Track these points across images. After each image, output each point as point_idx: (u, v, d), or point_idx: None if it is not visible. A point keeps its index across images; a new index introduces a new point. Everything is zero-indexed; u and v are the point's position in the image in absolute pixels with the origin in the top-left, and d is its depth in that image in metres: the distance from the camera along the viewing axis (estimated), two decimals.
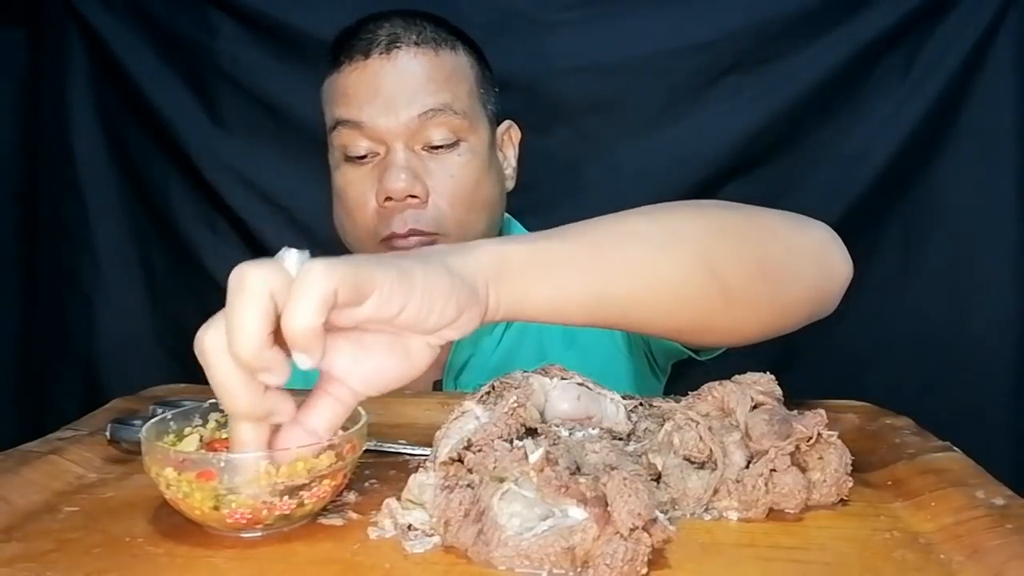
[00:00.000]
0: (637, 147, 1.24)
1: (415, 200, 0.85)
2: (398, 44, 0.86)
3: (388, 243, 0.86)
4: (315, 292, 0.44)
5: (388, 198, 0.85)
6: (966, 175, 1.21)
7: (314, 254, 0.47)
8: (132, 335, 1.34)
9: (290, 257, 0.46)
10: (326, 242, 1.29)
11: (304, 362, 0.45)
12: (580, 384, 0.60)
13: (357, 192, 0.88)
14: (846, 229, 1.21)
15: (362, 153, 0.87)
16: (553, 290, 0.56)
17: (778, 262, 0.64)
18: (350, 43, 0.88)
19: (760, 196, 1.22)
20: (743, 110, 1.22)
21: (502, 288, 0.53)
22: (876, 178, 1.22)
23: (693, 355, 0.86)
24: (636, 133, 1.24)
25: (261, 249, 1.30)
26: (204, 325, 0.46)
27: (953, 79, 1.19)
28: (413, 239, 0.86)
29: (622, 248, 0.58)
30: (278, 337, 0.45)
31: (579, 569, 0.44)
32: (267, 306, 0.44)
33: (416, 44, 0.87)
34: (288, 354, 0.46)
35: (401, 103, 0.85)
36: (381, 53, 0.86)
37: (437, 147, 0.86)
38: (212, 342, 0.45)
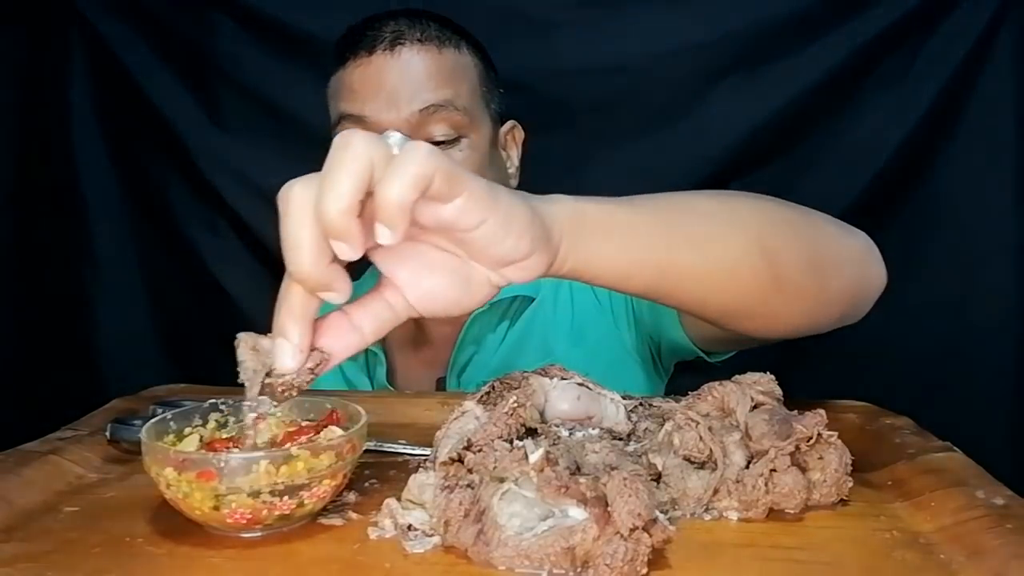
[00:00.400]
0: (637, 147, 1.24)
1: None
2: (402, 41, 0.88)
3: None
4: (416, 169, 0.44)
5: None
6: (966, 175, 1.21)
7: None
8: (132, 335, 1.34)
9: (394, 137, 0.47)
10: None
11: (385, 236, 0.45)
12: (580, 384, 0.61)
13: None
14: None
15: None
16: (620, 253, 0.57)
17: (826, 258, 0.67)
18: (355, 40, 0.90)
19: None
20: (743, 110, 1.22)
21: (576, 241, 0.53)
22: (876, 178, 1.22)
23: (703, 356, 0.87)
24: (636, 133, 1.24)
25: (261, 249, 1.30)
26: (294, 180, 0.47)
27: (953, 79, 1.19)
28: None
29: (688, 223, 0.60)
30: (362, 214, 0.45)
31: (579, 569, 0.44)
32: (366, 172, 0.44)
33: (420, 41, 0.88)
34: (366, 234, 0.45)
35: (403, 98, 0.86)
36: (385, 50, 0.87)
37: (438, 143, 0.87)
38: (301, 193, 0.46)
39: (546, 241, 0.51)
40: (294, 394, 0.49)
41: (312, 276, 0.46)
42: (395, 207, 0.44)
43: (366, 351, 0.94)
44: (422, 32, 0.89)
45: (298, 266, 0.46)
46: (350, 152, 0.44)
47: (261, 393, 0.49)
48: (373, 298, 0.51)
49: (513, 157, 0.99)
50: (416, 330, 0.97)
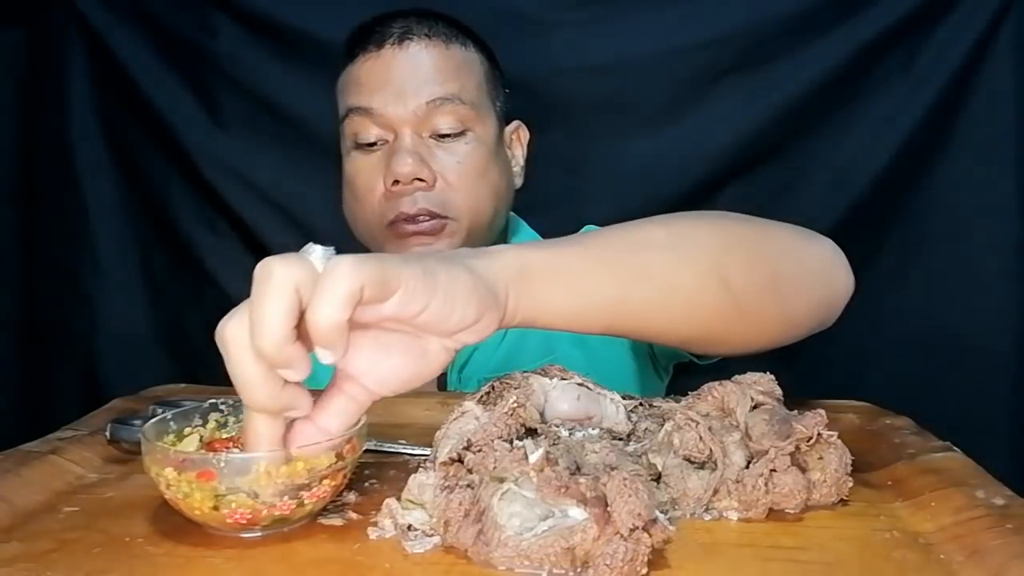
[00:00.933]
0: (637, 147, 1.24)
1: (422, 183, 0.88)
2: (410, 36, 0.90)
3: (395, 227, 0.89)
4: (342, 288, 0.44)
5: (396, 181, 0.87)
6: (966, 175, 1.21)
7: (338, 251, 0.47)
8: (132, 335, 1.34)
9: (315, 253, 0.46)
10: (325, 241, 1.30)
11: (326, 358, 0.45)
12: (580, 384, 0.60)
13: (366, 178, 0.91)
14: (846, 229, 1.23)
15: (372, 140, 0.90)
16: (572, 297, 0.56)
17: (788, 276, 0.66)
18: (365, 36, 0.92)
19: (760, 196, 1.24)
20: (743, 110, 1.22)
21: (522, 294, 0.53)
22: (876, 178, 1.22)
23: (695, 359, 0.87)
24: (636, 133, 1.24)
25: (261, 249, 1.30)
26: (226, 316, 0.46)
27: (953, 79, 1.19)
28: (423, 219, 0.88)
29: (639, 257, 0.59)
30: (299, 332, 0.45)
31: (579, 569, 0.44)
32: (292, 300, 0.44)
33: (427, 37, 0.90)
34: (309, 350, 0.46)
35: (410, 91, 0.88)
36: (394, 44, 0.89)
37: (445, 135, 0.89)
38: (233, 333, 0.45)
39: (493, 300, 0.51)
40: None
41: (271, 404, 0.47)
42: (328, 330, 0.44)
43: None
44: (430, 28, 0.91)
45: (254, 400, 0.46)
46: (272, 283, 0.44)
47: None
48: (333, 395, 0.50)
49: (518, 156, 1.01)
50: None
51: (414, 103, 0.88)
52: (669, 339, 0.65)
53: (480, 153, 0.91)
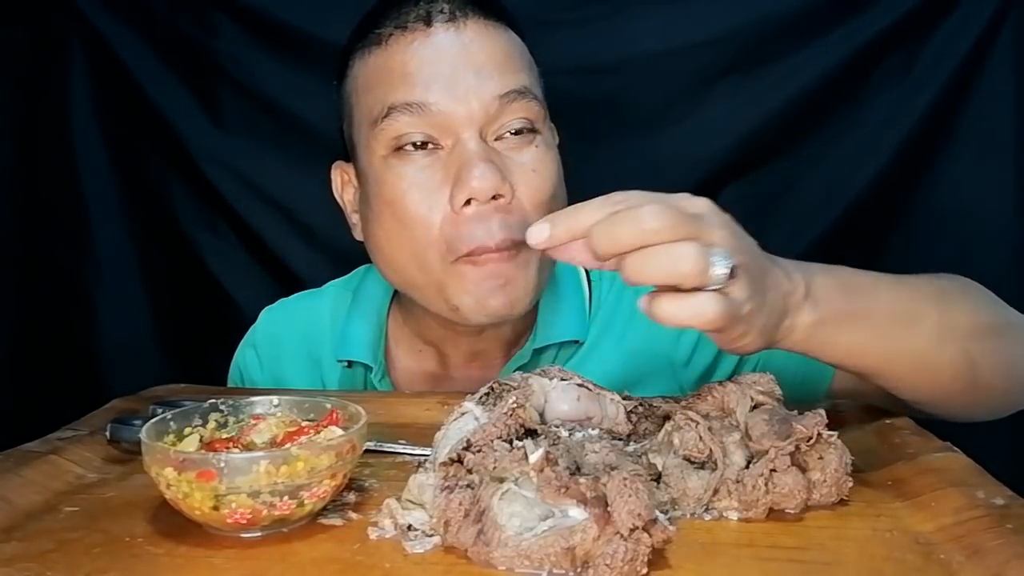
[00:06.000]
0: (637, 147, 1.24)
1: (501, 201, 0.70)
2: (466, 12, 0.72)
3: (470, 259, 0.70)
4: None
5: (468, 201, 0.69)
6: (966, 175, 1.21)
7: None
8: (132, 335, 1.34)
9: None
10: (325, 241, 1.30)
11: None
12: (580, 385, 0.60)
13: (418, 197, 0.71)
14: (846, 229, 1.22)
15: (422, 144, 0.71)
16: (849, 343, 0.60)
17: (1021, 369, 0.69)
18: (398, 14, 0.73)
19: (760, 196, 1.24)
20: (743, 110, 1.22)
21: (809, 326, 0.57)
22: (876, 178, 1.22)
23: None
24: (636, 133, 1.24)
25: (261, 249, 1.31)
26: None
27: (953, 79, 1.19)
28: (505, 252, 0.70)
29: (907, 331, 0.62)
30: None
31: (579, 569, 0.44)
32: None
33: (483, 14, 0.72)
34: None
35: (477, 81, 0.70)
36: (447, 21, 0.71)
37: (514, 137, 0.72)
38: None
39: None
40: None
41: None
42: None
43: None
44: (484, 5, 0.73)
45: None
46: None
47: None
48: None
49: None
50: (437, 365, 0.85)
51: (483, 97, 0.70)
52: (901, 394, 0.66)
53: (551, 158, 0.74)
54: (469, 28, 0.71)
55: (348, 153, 0.81)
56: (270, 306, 0.97)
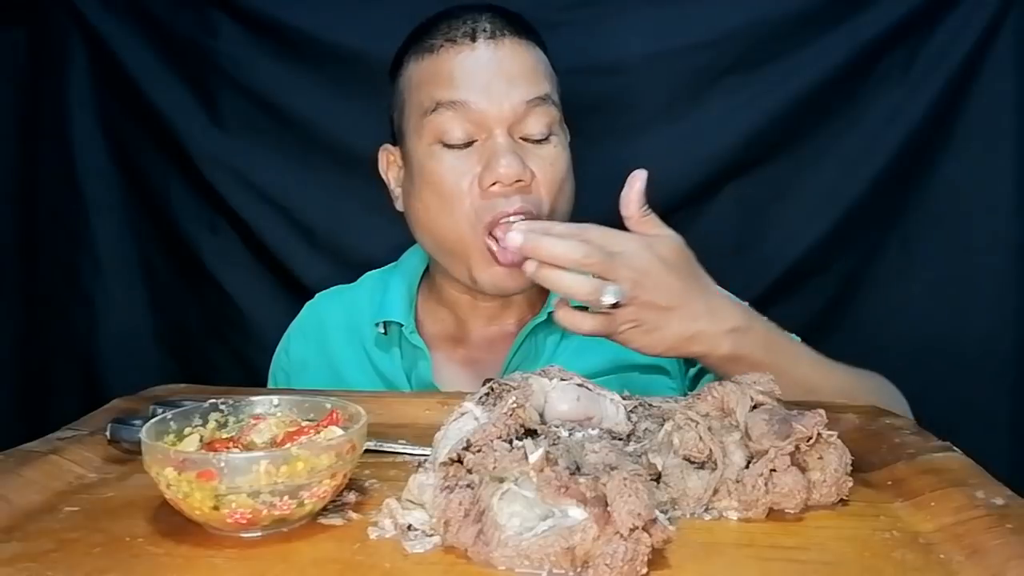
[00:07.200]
0: (637, 147, 1.24)
1: (521, 184, 0.86)
2: (503, 32, 0.89)
3: (491, 227, 0.86)
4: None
5: (495, 183, 0.85)
6: (966, 175, 1.21)
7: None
8: (132, 335, 1.34)
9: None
10: (325, 241, 1.30)
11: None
12: (579, 385, 0.60)
13: (455, 177, 0.87)
14: (846, 229, 1.23)
15: (462, 138, 0.87)
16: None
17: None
18: (448, 28, 0.89)
19: (760, 196, 1.24)
20: (743, 110, 1.22)
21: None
22: (876, 178, 1.22)
23: None
24: (636, 133, 1.24)
25: (261, 249, 1.30)
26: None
27: (953, 79, 1.19)
28: (519, 218, 0.85)
29: (806, 373, 0.80)
30: None
31: (579, 569, 0.44)
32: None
33: (517, 34, 0.89)
34: None
35: (508, 89, 0.86)
36: (488, 39, 0.88)
37: (535, 138, 0.88)
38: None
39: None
40: None
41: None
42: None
43: (412, 346, 0.95)
44: (517, 26, 0.90)
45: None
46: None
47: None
48: None
49: None
50: (456, 328, 0.99)
51: (517, 99, 0.86)
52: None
53: (565, 157, 0.91)
54: (505, 45, 0.88)
55: (395, 138, 0.97)
56: (310, 300, 1.10)
